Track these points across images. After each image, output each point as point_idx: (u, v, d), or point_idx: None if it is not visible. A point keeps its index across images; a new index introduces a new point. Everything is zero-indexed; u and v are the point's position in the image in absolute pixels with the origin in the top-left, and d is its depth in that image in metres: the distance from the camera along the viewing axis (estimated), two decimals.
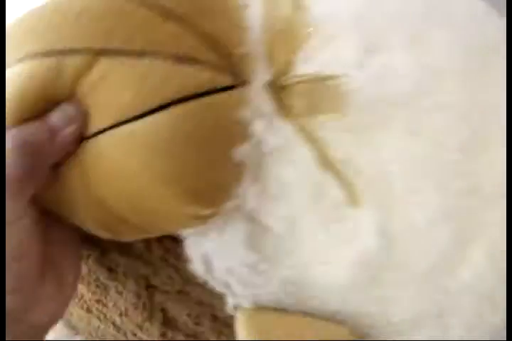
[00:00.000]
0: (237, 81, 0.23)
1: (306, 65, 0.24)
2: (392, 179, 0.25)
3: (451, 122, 0.26)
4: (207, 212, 0.24)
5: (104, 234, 0.25)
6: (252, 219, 0.25)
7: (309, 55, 0.25)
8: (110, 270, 0.29)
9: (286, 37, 0.25)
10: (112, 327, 0.29)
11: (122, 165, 0.22)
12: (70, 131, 0.22)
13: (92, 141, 0.22)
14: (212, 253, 0.26)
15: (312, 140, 0.25)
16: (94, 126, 0.22)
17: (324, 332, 0.27)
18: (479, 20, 0.31)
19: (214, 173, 0.24)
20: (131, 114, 0.21)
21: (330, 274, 0.26)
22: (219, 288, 0.27)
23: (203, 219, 0.24)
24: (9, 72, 0.22)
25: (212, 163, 0.23)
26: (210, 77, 0.22)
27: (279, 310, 0.27)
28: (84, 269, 0.29)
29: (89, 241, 0.28)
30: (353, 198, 0.25)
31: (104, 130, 0.22)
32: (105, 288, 0.29)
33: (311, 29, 0.25)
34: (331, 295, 0.27)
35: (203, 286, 0.27)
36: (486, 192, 0.27)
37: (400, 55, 0.25)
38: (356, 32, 0.25)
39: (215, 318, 0.29)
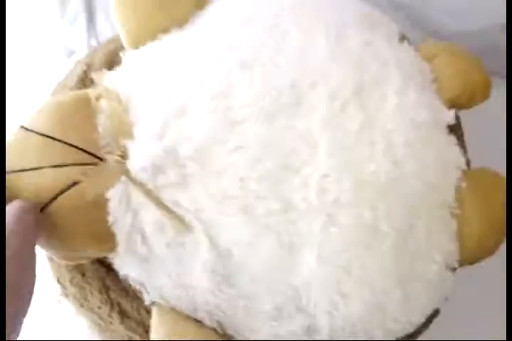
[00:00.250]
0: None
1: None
2: (208, 209, 0.33)
3: (250, 158, 0.32)
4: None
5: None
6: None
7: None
8: (83, 275, 0.42)
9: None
10: (96, 316, 0.43)
11: None
12: None
13: None
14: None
15: (150, 193, 0.34)
16: None
17: None
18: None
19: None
20: None
21: (194, 280, 0.35)
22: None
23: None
24: None
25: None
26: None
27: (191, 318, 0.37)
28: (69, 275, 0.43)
29: None
30: (185, 227, 0.33)
31: None
32: (83, 289, 0.43)
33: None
34: (205, 294, 0.36)
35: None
36: (301, 207, 0.33)
37: None
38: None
39: (148, 310, 0.40)
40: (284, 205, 0.33)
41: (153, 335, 0.37)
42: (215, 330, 0.37)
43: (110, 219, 0.33)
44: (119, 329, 0.42)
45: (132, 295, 0.40)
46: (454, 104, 0.41)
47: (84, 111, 0.34)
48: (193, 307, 0.36)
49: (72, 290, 0.43)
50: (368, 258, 0.34)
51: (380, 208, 0.33)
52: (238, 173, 0.32)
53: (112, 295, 0.41)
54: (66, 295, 0.44)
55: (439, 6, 0.59)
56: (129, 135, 0.33)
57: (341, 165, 0.33)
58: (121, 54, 0.42)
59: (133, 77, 0.37)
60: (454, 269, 0.39)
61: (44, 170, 0.32)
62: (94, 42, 0.63)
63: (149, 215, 0.34)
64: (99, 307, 0.42)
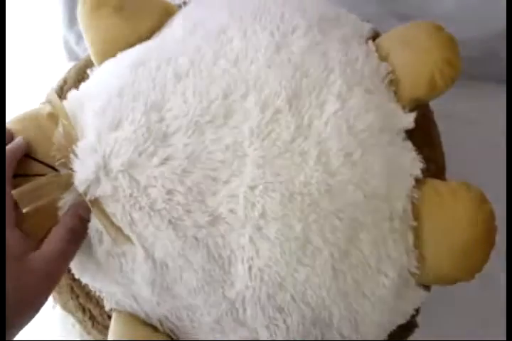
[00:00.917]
0: None
1: None
2: (139, 222, 0.33)
3: (177, 170, 0.33)
4: None
5: None
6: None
7: None
8: None
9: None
10: (76, 319, 0.45)
11: None
12: None
13: None
14: None
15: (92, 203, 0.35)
16: None
17: None
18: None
19: None
20: None
21: (138, 290, 0.36)
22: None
23: None
24: None
25: None
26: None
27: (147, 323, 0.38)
28: None
29: None
30: (124, 237, 0.34)
31: None
32: (61, 294, 0.45)
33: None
34: (150, 304, 0.37)
35: None
36: (229, 220, 0.32)
37: None
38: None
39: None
40: (212, 218, 0.32)
41: (109, 337, 0.38)
42: (168, 336, 0.38)
43: None
44: (93, 332, 0.44)
45: (96, 301, 0.42)
46: (418, 101, 0.38)
47: (42, 128, 0.36)
48: (145, 314, 0.37)
49: (56, 296, 0.45)
50: (301, 273, 0.32)
51: (311, 221, 0.32)
52: (165, 186, 0.33)
53: (81, 300, 0.43)
54: (54, 299, 0.47)
55: (438, 14, 0.56)
56: (73, 149, 0.35)
57: (269, 176, 0.32)
58: (88, 71, 0.44)
59: (82, 94, 0.38)
60: (422, 285, 0.36)
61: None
62: None
63: (92, 224, 0.35)
64: (76, 312, 0.44)
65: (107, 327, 0.43)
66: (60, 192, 0.35)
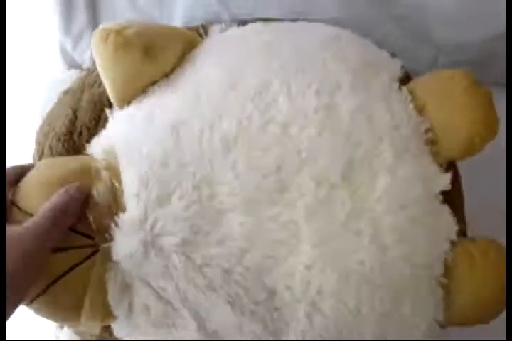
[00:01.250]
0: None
1: None
2: (193, 298, 0.34)
3: (235, 251, 0.33)
4: None
5: None
6: None
7: None
8: None
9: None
10: None
11: None
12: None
13: None
14: None
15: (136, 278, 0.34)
16: None
17: None
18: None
19: None
20: None
21: None
22: None
23: None
24: None
25: None
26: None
27: None
28: None
29: None
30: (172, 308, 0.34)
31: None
32: None
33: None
34: None
35: None
36: (285, 297, 0.33)
37: None
38: None
39: None
40: (268, 295, 0.33)
41: None
42: None
43: (109, 300, 0.34)
44: None
45: None
46: (452, 160, 0.39)
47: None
48: None
49: None
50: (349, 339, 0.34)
51: (364, 296, 0.33)
52: (222, 266, 0.32)
53: None
54: None
55: (437, 16, 0.55)
56: (115, 221, 0.33)
57: (325, 256, 0.33)
58: (107, 112, 0.41)
59: (119, 151, 0.36)
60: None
61: None
62: None
63: (137, 296, 0.35)
64: None
65: None
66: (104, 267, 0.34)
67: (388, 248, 0.34)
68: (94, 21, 0.58)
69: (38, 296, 0.34)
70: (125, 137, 0.37)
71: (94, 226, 0.34)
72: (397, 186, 0.34)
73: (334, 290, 0.33)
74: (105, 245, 0.34)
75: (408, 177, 0.35)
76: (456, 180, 0.42)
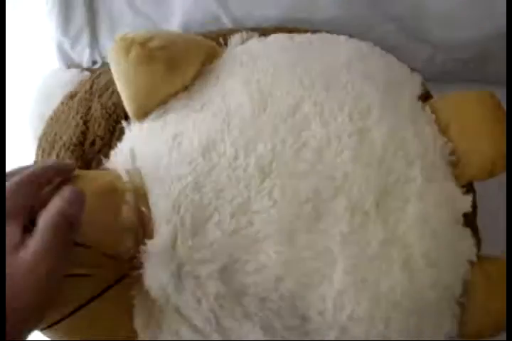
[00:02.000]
0: None
1: None
2: (228, 325, 0.34)
3: (269, 278, 0.32)
4: None
5: None
6: None
7: None
8: None
9: None
10: None
11: None
12: None
13: None
14: None
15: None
16: None
17: None
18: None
19: None
20: None
21: None
22: None
23: None
24: None
25: None
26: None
27: None
28: None
29: None
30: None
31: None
32: None
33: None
34: None
35: None
36: (316, 321, 0.34)
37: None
38: None
39: None
40: (301, 320, 0.33)
41: None
42: None
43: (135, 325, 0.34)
44: None
45: None
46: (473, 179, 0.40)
47: (107, 209, 0.33)
48: None
49: None
50: None
51: (393, 321, 0.34)
52: (259, 294, 0.32)
53: None
54: None
55: (434, 15, 0.55)
56: (143, 247, 0.33)
57: (358, 282, 0.33)
58: (124, 124, 0.39)
59: (145, 170, 0.35)
60: None
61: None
62: (97, 57, 0.58)
63: (165, 324, 0.34)
64: None
65: None
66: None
67: (417, 273, 0.34)
68: (92, 21, 0.56)
69: (59, 322, 0.33)
70: (151, 157, 0.36)
71: (119, 250, 0.33)
72: (427, 212, 0.35)
73: (364, 315, 0.33)
74: (135, 273, 0.33)
75: (437, 203, 0.35)
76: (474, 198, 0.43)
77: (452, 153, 0.38)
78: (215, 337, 0.34)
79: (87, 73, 0.53)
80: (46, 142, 0.45)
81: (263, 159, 0.33)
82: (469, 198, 0.38)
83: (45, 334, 0.35)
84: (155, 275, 0.32)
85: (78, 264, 0.32)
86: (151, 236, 0.33)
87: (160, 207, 0.33)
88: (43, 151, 0.46)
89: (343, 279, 0.33)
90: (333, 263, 0.33)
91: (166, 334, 0.35)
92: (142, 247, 0.33)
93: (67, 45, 0.56)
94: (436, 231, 0.35)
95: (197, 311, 0.33)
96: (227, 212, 0.32)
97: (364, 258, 0.33)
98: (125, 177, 0.35)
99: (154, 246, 0.32)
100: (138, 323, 0.35)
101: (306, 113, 0.35)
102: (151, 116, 0.39)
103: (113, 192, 0.34)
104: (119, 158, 0.38)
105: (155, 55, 0.36)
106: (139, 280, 0.34)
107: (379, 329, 0.34)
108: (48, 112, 0.49)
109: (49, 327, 0.34)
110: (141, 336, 0.35)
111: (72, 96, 0.47)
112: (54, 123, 0.46)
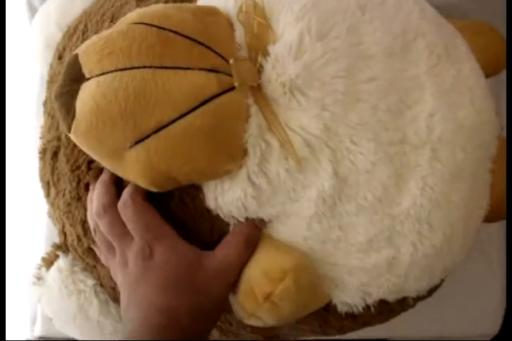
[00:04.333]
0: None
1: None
2: (340, 136, 0.34)
3: (381, 89, 0.35)
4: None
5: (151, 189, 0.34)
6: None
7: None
8: None
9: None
10: None
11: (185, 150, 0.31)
12: None
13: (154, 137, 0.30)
14: None
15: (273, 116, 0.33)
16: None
17: None
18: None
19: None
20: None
21: (300, 208, 0.36)
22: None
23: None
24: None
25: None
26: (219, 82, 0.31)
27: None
28: None
29: None
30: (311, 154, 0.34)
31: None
32: None
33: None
34: (302, 224, 0.36)
35: None
36: (413, 141, 0.36)
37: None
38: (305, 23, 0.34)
39: None
40: (402, 137, 0.35)
41: None
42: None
43: (246, 136, 0.33)
44: None
45: None
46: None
47: (222, 21, 0.33)
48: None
49: None
50: (453, 194, 0.38)
51: (468, 150, 0.38)
52: (371, 102, 0.34)
53: None
54: None
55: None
56: (266, 52, 0.33)
57: (444, 107, 0.37)
58: None
59: None
60: None
61: (195, 71, 0.30)
62: None
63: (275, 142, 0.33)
64: None
65: None
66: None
67: (479, 112, 0.40)
68: None
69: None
70: None
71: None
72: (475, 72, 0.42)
73: (450, 138, 0.37)
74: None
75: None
76: None
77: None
78: (328, 152, 0.34)
79: None
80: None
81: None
82: None
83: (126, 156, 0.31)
84: (276, 77, 0.32)
85: None
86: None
87: (285, 12, 0.34)
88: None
89: (432, 103, 0.37)
90: (422, 88, 0.37)
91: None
92: (268, 47, 0.33)
93: None
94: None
95: (312, 119, 0.33)
96: (344, 28, 0.35)
97: (446, 87, 0.38)
98: None
99: (281, 47, 0.33)
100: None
101: None
102: None
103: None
104: None
105: None
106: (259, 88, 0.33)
107: (458, 156, 0.37)
108: None
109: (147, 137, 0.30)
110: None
111: None
112: None
